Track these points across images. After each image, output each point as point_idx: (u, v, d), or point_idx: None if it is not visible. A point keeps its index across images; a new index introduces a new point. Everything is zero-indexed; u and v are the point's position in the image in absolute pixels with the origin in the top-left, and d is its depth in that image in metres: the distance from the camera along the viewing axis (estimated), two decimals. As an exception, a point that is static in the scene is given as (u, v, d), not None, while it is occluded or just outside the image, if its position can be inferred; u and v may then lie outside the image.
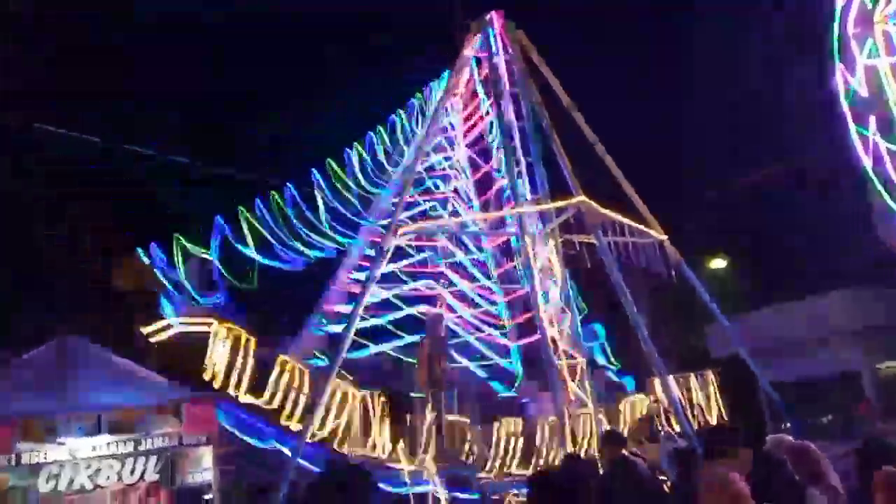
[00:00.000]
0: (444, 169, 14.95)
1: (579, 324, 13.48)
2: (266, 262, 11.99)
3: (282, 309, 14.22)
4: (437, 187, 14.76)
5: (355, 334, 12.29)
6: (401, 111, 15.30)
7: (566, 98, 14.65)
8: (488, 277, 13.43)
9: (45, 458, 8.87)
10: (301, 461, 9.98)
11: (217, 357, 10.07)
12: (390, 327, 13.43)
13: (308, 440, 11.04)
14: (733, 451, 5.03)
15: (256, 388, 10.25)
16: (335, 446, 10.54)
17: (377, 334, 13.30)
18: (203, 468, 9.94)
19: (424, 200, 14.38)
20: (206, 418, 9.51)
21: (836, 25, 12.03)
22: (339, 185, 13.44)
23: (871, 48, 11.72)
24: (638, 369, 13.32)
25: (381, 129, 14.81)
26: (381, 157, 14.51)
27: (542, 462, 10.96)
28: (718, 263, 24.21)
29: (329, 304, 13.75)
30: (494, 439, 11.08)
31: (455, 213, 14.49)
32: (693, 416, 11.99)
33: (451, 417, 11.10)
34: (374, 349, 13.05)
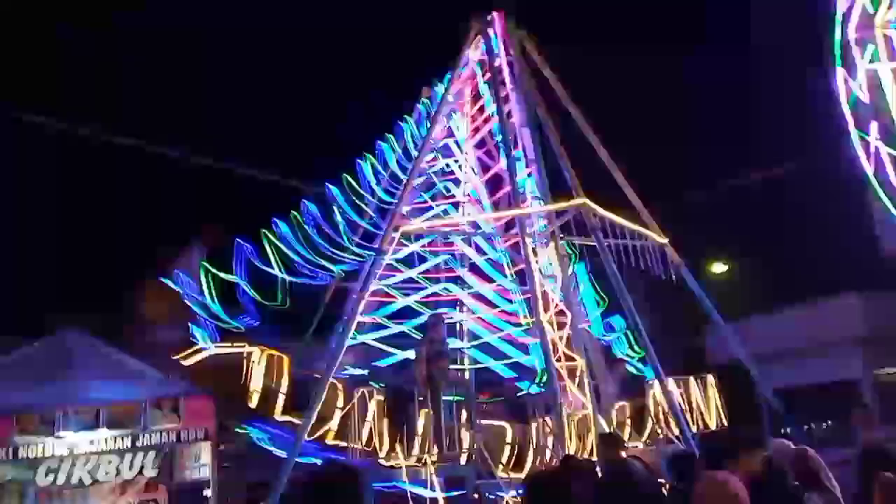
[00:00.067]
0: (452, 172, 14.93)
1: (601, 316, 13.56)
2: (291, 279, 12.02)
3: (311, 324, 14.29)
4: (447, 190, 14.77)
5: (380, 341, 12.57)
6: (408, 118, 15.31)
7: (567, 99, 14.67)
8: (504, 276, 13.40)
9: (43, 453, 8.91)
10: (303, 460, 9.96)
11: (256, 380, 10.09)
12: (414, 332, 13.42)
13: (308, 438, 11.15)
14: (734, 461, 5.08)
15: (295, 406, 10.30)
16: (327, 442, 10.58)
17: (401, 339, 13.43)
18: (202, 464, 9.97)
19: (437, 205, 14.38)
20: (205, 413, 9.54)
21: (837, 30, 12.02)
22: (355, 198, 13.48)
23: (872, 53, 11.71)
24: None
25: (391, 137, 14.82)
26: (394, 166, 14.52)
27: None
28: (720, 268, 24.25)
29: (354, 315, 13.90)
30: (533, 438, 11.08)
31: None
32: (692, 419, 11.97)
33: (486, 421, 11.09)
34: (401, 355, 13.25)
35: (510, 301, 13.03)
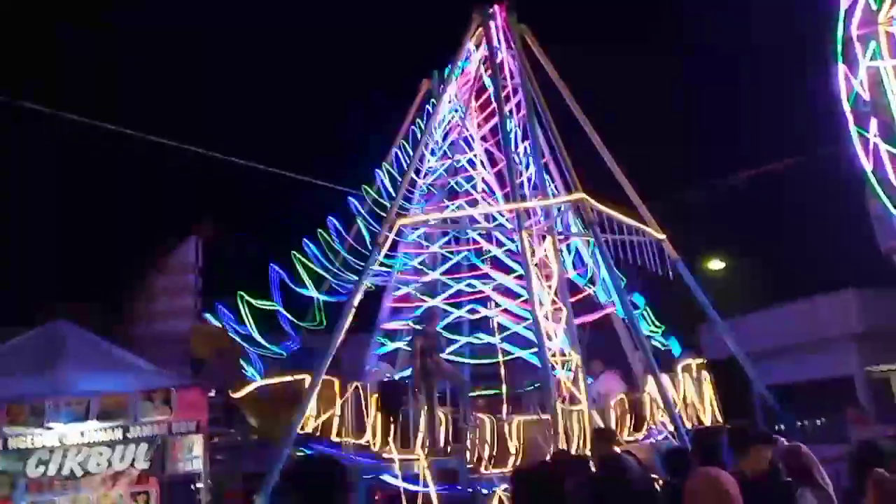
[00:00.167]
0: (465, 169, 14.90)
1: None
2: (325, 298, 12.14)
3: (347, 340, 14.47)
4: (460, 186, 14.72)
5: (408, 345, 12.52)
6: (419, 121, 15.29)
7: (568, 94, 14.63)
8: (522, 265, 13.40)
9: (33, 444, 8.87)
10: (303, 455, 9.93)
11: (312, 406, 10.18)
12: (445, 333, 13.61)
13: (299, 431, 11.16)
14: (744, 456, 5.13)
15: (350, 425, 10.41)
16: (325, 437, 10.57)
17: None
18: (194, 456, 9.93)
19: (454, 204, 14.35)
20: (197, 405, 9.49)
21: (840, 26, 11.96)
22: (376, 208, 13.54)
23: (874, 50, 11.66)
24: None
25: (403, 142, 14.82)
26: (412, 173, 14.52)
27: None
28: (716, 265, 24.22)
29: (385, 323, 14.10)
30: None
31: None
32: (687, 415, 11.95)
33: (525, 417, 11.12)
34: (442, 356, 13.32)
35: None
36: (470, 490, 10.04)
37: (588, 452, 8.82)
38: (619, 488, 6.45)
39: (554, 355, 11.93)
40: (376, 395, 10.78)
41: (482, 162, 15.09)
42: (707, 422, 12.13)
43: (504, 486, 9.80)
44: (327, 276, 12.46)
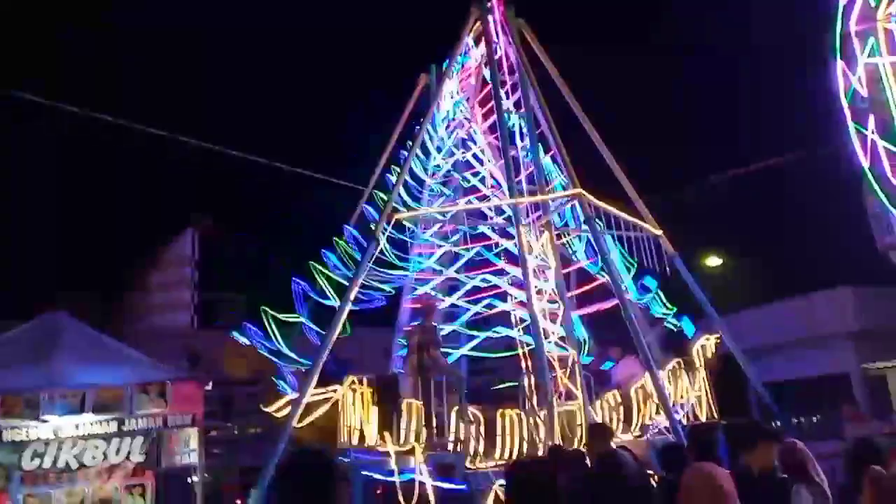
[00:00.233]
0: (472, 165, 14.87)
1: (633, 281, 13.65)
2: (350, 307, 12.16)
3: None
4: (467, 181, 14.71)
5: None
6: (424, 120, 15.29)
7: (566, 88, 14.60)
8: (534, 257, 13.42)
9: (28, 436, 8.84)
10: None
11: (351, 418, 10.24)
12: (464, 329, 13.79)
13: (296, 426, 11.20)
14: (751, 452, 5.16)
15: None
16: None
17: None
18: (191, 449, 9.90)
19: (466, 200, 14.33)
20: (193, 398, 9.46)
21: (838, 22, 11.93)
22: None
23: (872, 46, 11.64)
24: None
25: (410, 143, 14.83)
26: (419, 171, 14.54)
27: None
28: (714, 261, 24.24)
29: (406, 325, 14.18)
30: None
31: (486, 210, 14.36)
32: (683, 411, 11.96)
33: (565, 408, 11.13)
34: (456, 354, 13.38)
35: (546, 280, 13.05)
36: (467, 485, 10.02)
37: (584, 448, 8.81)
38: (615, 484, 6.45)
39: (550, 351, 11.94)
40: (372, 389, 10.77)
41: (489, 159, 15.06)
42: (703, 418, 12.14)
43: (500, 481, 9.80)
44: (347, 283, 12.47)
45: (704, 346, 12.53)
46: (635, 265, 13.31)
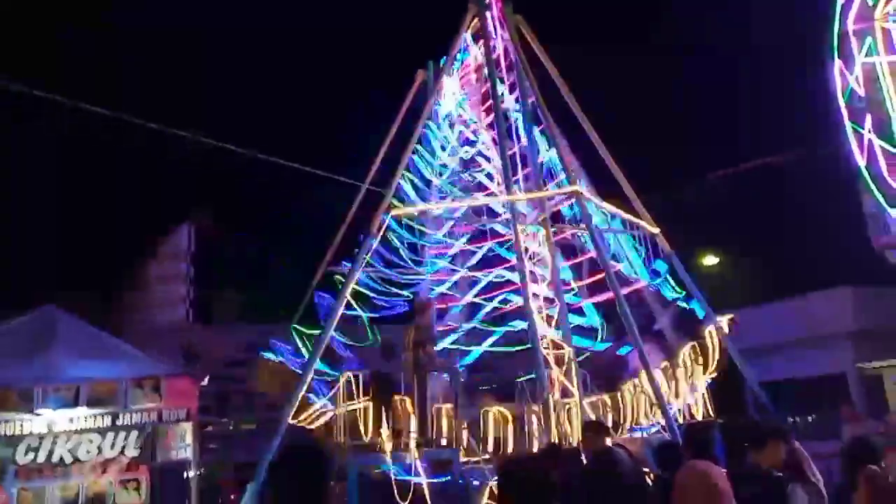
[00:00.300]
0: (478, 163, 14.87)
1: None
2: (373, 315, 12.50)
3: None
4: (473, 179, 14.72)
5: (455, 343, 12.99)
6: (430, 122, 15.31)
7: (564, 85, 14.57)
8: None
9: (22, 430, 8.81)
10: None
11: (383, 427, 10.23)
12: (482, 325, 13.83)
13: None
14: (759, 450, 5.18)
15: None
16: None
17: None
18: (186, 444, 9.87)
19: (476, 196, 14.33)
20: (187, 393, 9.42)
21: (836, 22, 11.92)
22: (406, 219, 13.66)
23: (870, 46, 11.63)
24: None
25: (419, 147, 14.86)
26: (427, 172, 14.52)
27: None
28: (711, 260, 24.25)
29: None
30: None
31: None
32: (679, 409, 11.96)
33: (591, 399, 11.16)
34: (478, 350, 13.46)
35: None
36: (462, 481, 10.02)
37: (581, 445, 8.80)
38: (611, 481, 6.44)
39: (547, 348, 11.93)
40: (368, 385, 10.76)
41: (494, 156, 15.05)
42: (699, 416, 12.14)
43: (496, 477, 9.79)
44: (369, 293, 12.72)
45: (720, 328, 12.62)
46: (645, 250, 13.34)
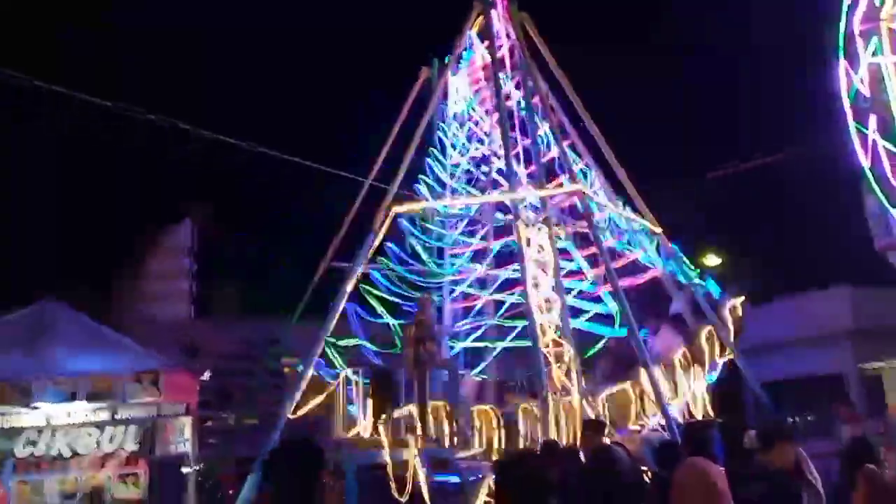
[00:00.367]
0: (487, 158, 14.88)
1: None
2: (400, 322, 12.52)
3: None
4: (486, 175, 14.74)
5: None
6: (443, 125, 15.33)
7: (567, 84, 14.53)
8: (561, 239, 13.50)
9: (20, 423, 8.82)
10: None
11: (431, 430, 10.37)
12: (500, 321, 13.86)
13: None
14: (768, 451, 5.25)
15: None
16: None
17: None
18: (185, 438, 9.87)
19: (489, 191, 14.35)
20: (186, 388, 9.41)
21: (842, 21, 11.87)
22: (423, 221, 13.79)
23: (876, 46, 11.58)
24: None
25: (433, 150, 14.84)
26: (440, 173, 14.65)
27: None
28: (712, 260, 24.19)
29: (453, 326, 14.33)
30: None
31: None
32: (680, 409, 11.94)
33: (614, 389, 11.19)
34: (501, 345, 13.47)
35: (571, 260, 13.15)
36: (459, 478, 10.01)
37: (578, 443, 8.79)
38: (609, 479, 6.43)
39: (548, 346, 11.91)
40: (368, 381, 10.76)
41: (500, 156, 15.04)
42: (699, 415, 12.12)
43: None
44: (398, 300, 12.86)
45: (735, 306, 12.68)
46: (658, 234, 13.40)
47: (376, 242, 12.52)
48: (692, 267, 13.68)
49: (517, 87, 14.59)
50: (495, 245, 13.65)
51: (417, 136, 13.81)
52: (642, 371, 11.22)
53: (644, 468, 7.66)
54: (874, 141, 11.42)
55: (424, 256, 13.29)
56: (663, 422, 11.05)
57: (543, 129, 14.05)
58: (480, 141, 14.86)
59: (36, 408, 8.92)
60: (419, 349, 11.17)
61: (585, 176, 14.00)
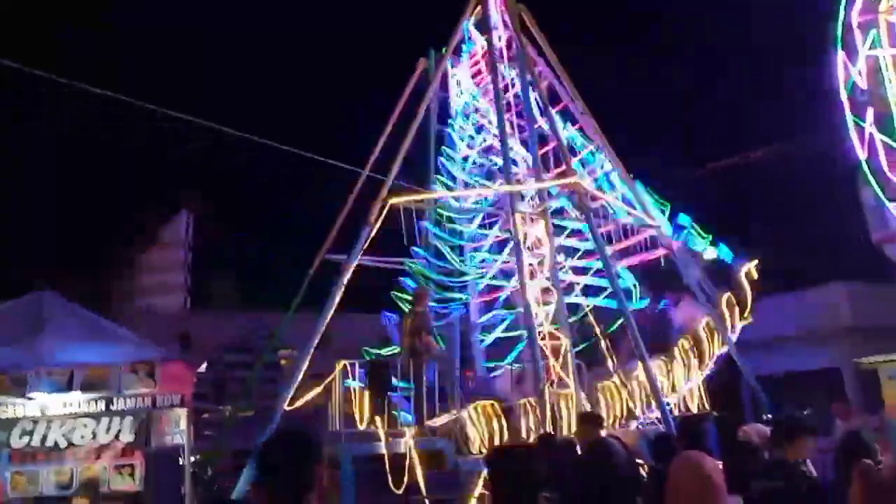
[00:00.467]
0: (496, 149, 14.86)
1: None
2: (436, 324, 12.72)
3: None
4: (495, 164, 14.74)
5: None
6: (452, 122, 15.29)
7: (565, 75, 14.51)
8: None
9: (15, 414, 8.80)
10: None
11: (474, 432, 10.37)
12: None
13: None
14: (790, 443, 5.22)
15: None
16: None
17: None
18: (180, 430, 9.84)
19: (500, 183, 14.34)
20: (182, 379, 9.38)
21: (840, 13, 11.85)
22: (443, 221, 13.99)
23: (874, 38, 11.57)
24: None
25: (446, 149, 14.92)
26: (452, 168, 14.72)
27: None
28: (709, 255, 24.16)
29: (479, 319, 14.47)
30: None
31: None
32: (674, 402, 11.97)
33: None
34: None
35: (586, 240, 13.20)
36: (455, 471, 10.03)
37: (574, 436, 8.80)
38: (605, 472, 6.44)
39: (544, 338, 11.93)
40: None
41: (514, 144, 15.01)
42: (694, 409, 12.16)
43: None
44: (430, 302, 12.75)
45: (749, 270, 12.92)
46: (669, 206, 13.57)
47: (371, 234, 12.49)
48: (703, 235, 13.78)
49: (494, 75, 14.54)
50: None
51: (415, 124, 13.77)
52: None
53: (640, 461, 7.68)
54: (871, 134, 11.42)
55: (451, 256, 13.47)
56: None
57: (541, 122, 14.02)
58: (488, 131, 14.86)
59: (31, 398, 8.88)
60: (415, 340, 11.19)
61: (593, 155, 14.07)
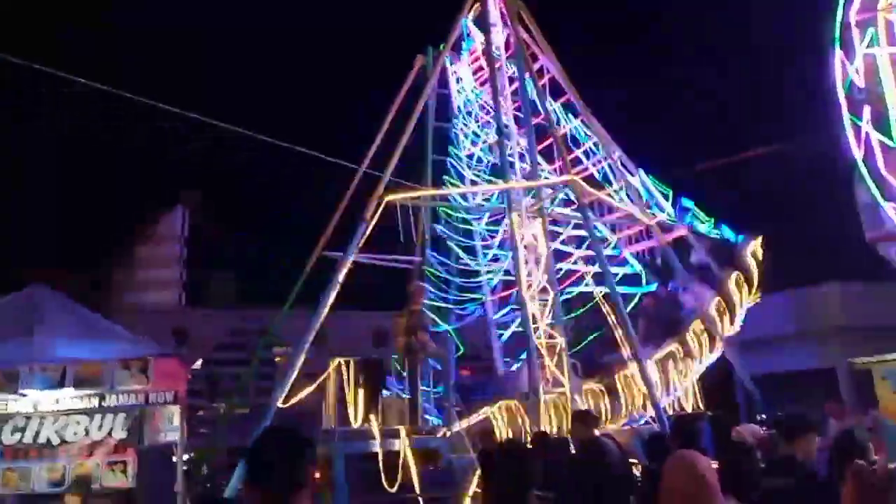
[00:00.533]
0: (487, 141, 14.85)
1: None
2: (457, 325, 13.21)
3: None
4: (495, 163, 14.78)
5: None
6: (456, 121, 15.25)
7: (563, 75, 14.47)
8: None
9: (7, 410, 8.74)
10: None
11: (502, 432, 10.46)
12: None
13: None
14: (798, 440, 5.27)
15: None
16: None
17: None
18: (174, 426, 9.79)
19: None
20: (175, 375, 9.31)
21: (839, 11, 11.82)
22: (455, 222, 14.25)
23: (872, 37, 11.54)
24: None
25: (453, 150, 15.00)
26: (458, 166, 14.84)
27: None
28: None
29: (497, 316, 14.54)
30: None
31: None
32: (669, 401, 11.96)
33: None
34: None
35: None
36: (449, 468, 10.01)
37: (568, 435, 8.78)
38: (598, 471, 6.43)
39: (540, 337, 11.90)
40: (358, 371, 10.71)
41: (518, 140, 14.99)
42: (689, 408, 12.16)
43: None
44: (448, 305, 13.43)
45: (755, 250, 13.19)
46: (670, 191, 13.69)
47: (367, 231, 12.45)
48: (706, 217, 13.85)
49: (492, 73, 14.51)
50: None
51: (412, 121, 13.72)
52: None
53: (633, 461, 7.67)
54: (867, 133, 11.40)
55: (465, 256, 13.73)
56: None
57: (539, 119, 13.99)
58: (492, 127, 14.84)
59: (23, 394, 8.82)
60: (410, 339, 11.14)
61: (597, 147, 14.08)
